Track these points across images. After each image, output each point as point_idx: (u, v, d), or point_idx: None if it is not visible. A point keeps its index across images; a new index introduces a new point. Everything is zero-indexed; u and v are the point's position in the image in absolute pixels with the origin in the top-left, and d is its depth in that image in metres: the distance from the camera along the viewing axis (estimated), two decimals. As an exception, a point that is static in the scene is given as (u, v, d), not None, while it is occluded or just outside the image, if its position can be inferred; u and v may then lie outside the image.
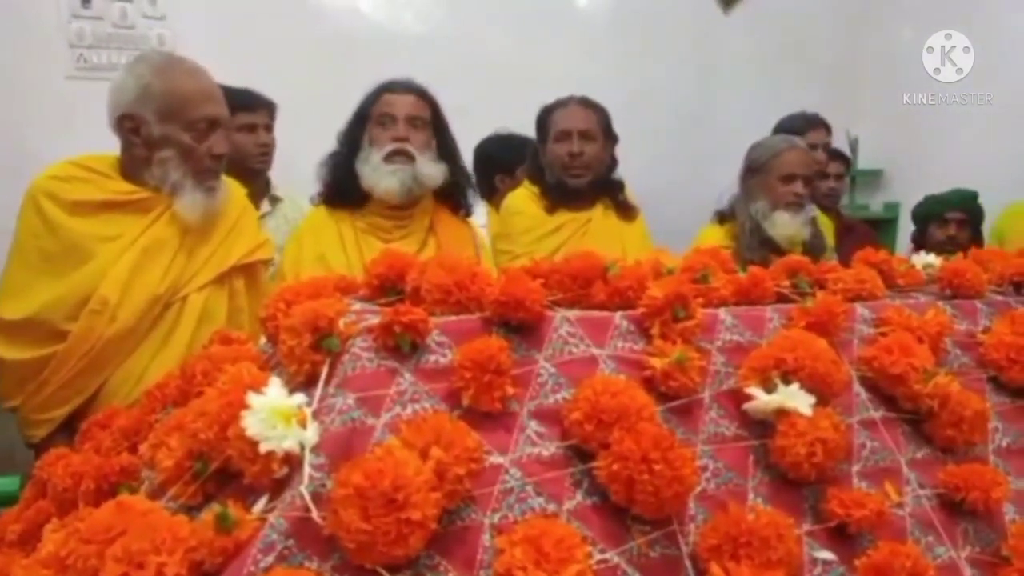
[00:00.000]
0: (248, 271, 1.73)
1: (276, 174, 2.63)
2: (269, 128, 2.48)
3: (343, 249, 1.85)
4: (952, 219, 2.87)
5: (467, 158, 2.91)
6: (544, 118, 2.31)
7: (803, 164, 2.25)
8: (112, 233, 1.57)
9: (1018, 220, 2.85)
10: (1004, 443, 1.09)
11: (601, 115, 2.27)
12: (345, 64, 3.03)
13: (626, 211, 2.30)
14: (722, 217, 2.38)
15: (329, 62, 3.13)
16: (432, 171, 1.86)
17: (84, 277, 1.53)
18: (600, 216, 2.27)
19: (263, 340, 1.09)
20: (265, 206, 2.49)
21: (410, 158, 1.83)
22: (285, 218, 2.48)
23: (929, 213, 2.95)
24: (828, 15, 4.19)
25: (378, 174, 1.82)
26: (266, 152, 2.47)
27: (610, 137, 2.29)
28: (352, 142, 1.89)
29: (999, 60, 3.55)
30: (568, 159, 2.22)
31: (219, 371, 0.94)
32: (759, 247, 2.18)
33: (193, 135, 1.58)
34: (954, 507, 0.97)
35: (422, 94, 1.91)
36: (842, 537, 0.89)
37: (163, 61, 1.63)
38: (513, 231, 2.30)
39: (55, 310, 1.52)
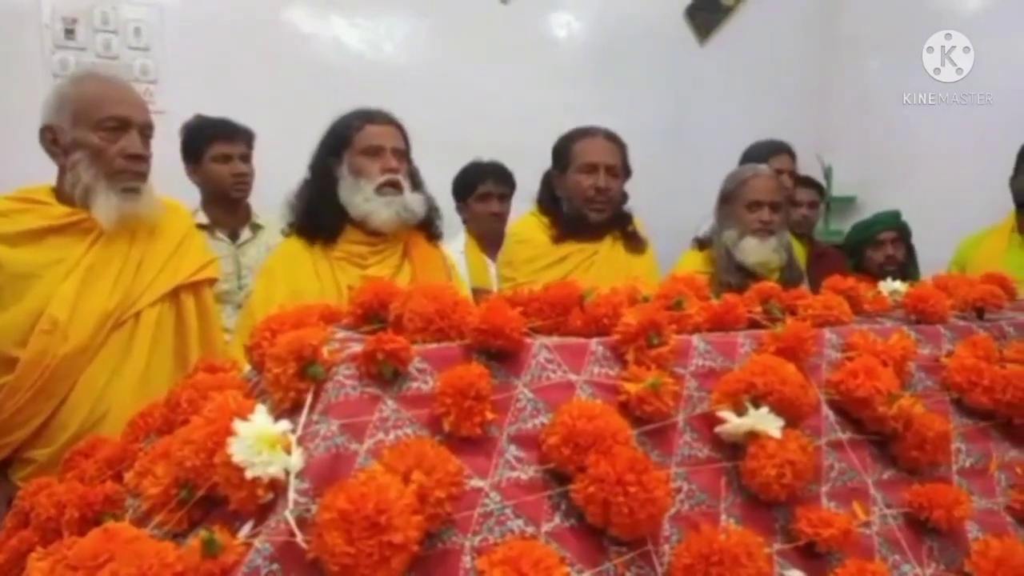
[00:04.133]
0: (196, 290, 1.76)
1: (260, 202, 2.66)
2: (246, 157, 2.50)
3: (318, 280, 1.86)
4: (886, 239, 2.99)
5: (449, 188, 2.97)
6: (566, 147, 2.30)
7: (769, 191, 2.30)
8: (56, 257, 1.59)
9: (980, 248, 2.94)
10: (967, 464, 1.13)
11: (623, 150, 2.30)
12: (327, 95, 3.04)
13: (635, 243, 2.31)
14: (701, 244, 2.44)
15: (311, 92, 3.16)
16: (416, 201, 1.91)
17: (31, 302, 1.54)
18: (607, 248, 2.28)
19: (247, 368, 1.11)
20: (246, 233, 2.51)
21: (400, 189, 1.87)
22: (266, 245, 2.49)
23: (861, 239, 3.07)
24: (800, 46, 4.32)
25: (371, 204, 1.85)
26: (243, 181, 2.49)
27: (627, 172, 2.31)
28: (328, 171, 1.90)
29: (964, 86, 3.67)
30: (594, 193, 2.23)
31: (204, 399, 0.96)
32: (735, 272, 2.23)
33: (102, 135, 1.60)
34: (919, 526, 1.00)
35: (400, 126, 1.96)
36: (811, 556, 0.92)
37: (82, 73, 1.69)
38: (516, 259, 2.31)
39: (4, 337, 1.53)
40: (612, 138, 2.30)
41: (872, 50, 4.26)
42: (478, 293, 2.39)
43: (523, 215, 2.49)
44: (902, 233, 3.03)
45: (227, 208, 2.46)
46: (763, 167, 2.47)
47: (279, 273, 1.87)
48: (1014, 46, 3.49)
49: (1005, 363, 1.22)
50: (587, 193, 2.23)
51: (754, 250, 2.23)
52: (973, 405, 1.18)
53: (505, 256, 2.40)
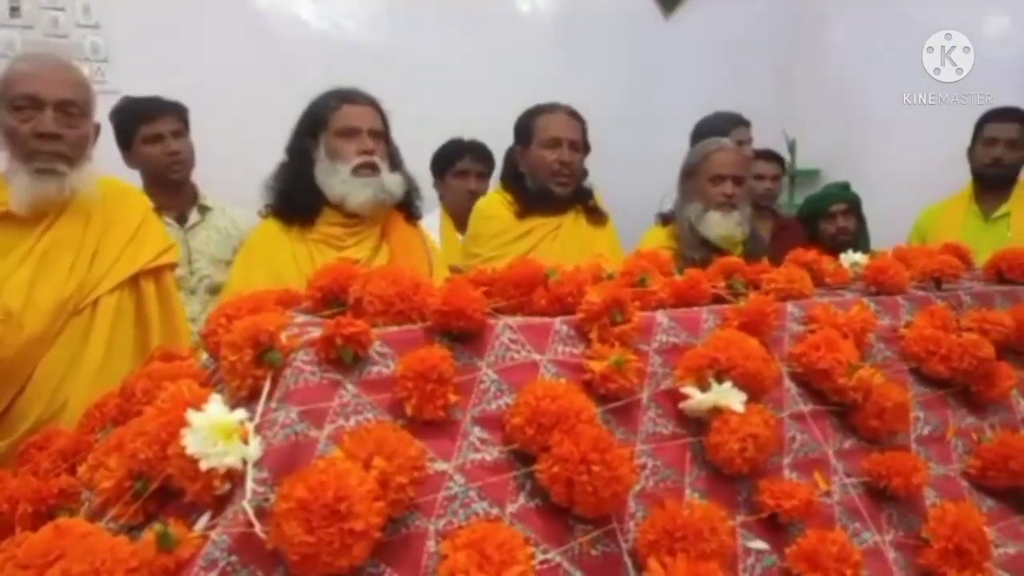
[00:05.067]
0: (157, 276, 1.72)
1: (215, 184, 2.58)
2: (179, 134, 2.36)
3: (296, 263, 1.83)
4: (837, 211, 3.05)
5: (413, 166, 2.93)
6: (529, 122, 2.31)
7: (732, 164, 2.30)
8: (8, 245, 1.54)
9: (939, 218, 3.00)
10: (925, 431, 1.15)
11: (584, 126, 2.32)
12: (286, 73, 3.01)
13: (597, 217, 2.33)
14: (665, 219, 2.45)
15: (269, 71, 3.09)
16: (395, 182, 1.88)
17: None
18: (571, 222, 2.29)
19: (204, 356, 1.09)
20: (194, 216, 2.40)
21: (377, 171, 1.84)
22: (216, 228, 2.41)
23: (814, 212, 3.14)
24: (765, 19, 4.32)
25: (348, 186, 1.81)
26: (178, 160, 2.35)
27: (586, 148, 2.33)
28: (304, 153, 1.88)
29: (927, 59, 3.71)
30: (559, 166, 2.24)
31: (159, 389, 0.93)
32: (699, 247, 2.24)
33: (15, 115, 1.55)
34: (878, 494, 1.02)
35: (378, 106, 1.92)
36: (774, 527, 0.93)
37: (22, 52, 1.62)
38: (482, 234, 2.32)
39: None
40: (573, 114, 2.31)
41: (836, 24, 4.29)
42: (453, 271, 2.38)
43: (488, 192, 2.47)
44: (852, 204, 3.10)
45: (170, 191, 2.33)
46: (726, 141, 2.47)
47: (257, 256, 1.84)
48: (976, 19, 3.53)
49: (962, 332, 1.25)
50: (551, 167, 2.24)
51: (718, 224, 2.24)
52: (930, 374, 1.20)
53: (471, 231, 2.40)
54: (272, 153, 1.96)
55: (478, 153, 2.97)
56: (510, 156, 2.36)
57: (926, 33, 3.79)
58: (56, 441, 1.12)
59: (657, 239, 2.35)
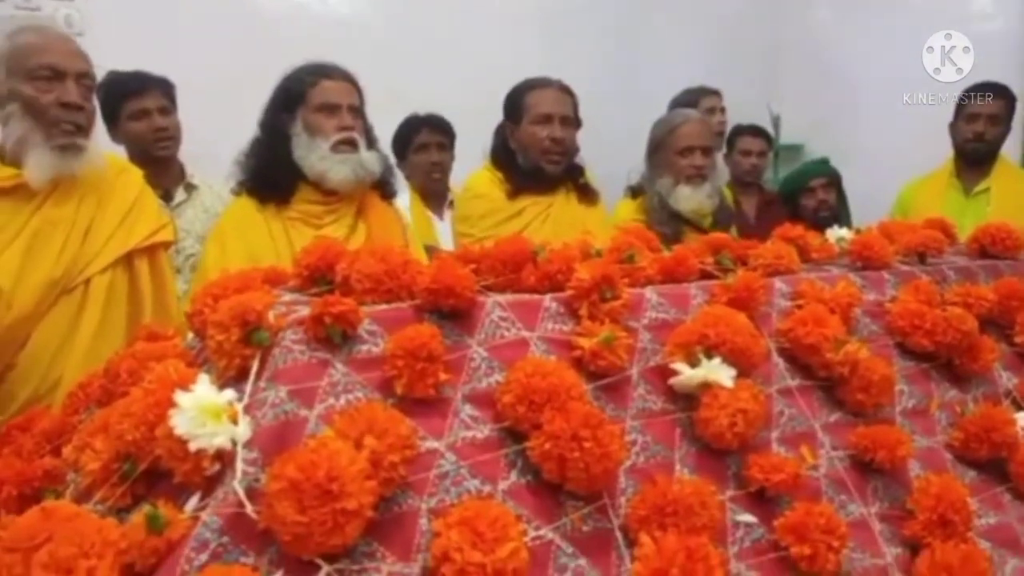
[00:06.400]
0: (151, 254, 1.70)
1: (195, 160, 2.54)
2: (165, 110, 2.32)
3: (272, 241, 1.80)
4: (817, 186, 3.10)
5: (390, 142, 2.90)
6: (519, 98, 2.25)
7: (699, 135, 2.29)
8: (1, 222, 1.52)
9: (921, 193, 3.02)
10: (910, 405, 1.16)
11: (575, 101, 2.27)
12: (266, 46, 2.93)
13: (588, 195, 2.30)
14: (634, 192, 2.44)
15: (250, 44, 3.02)
16: (373, 159, 1.86)
17: None
18: (562, 200, 2.26)
19: (190, 336, 1.07)
20: (180, 194, 2.37)
21: (356, 147, 1.82)
22: (203, 206, 2.37)
23: (794, 188, 3.18)
24: (750, -5, 4.30)
25: (327, 163, 1.78)
26: (165, 136, 2.31)
27: (578, 123, 2.29)
28: (280, 128, 1.84)
29: (912, 41, 3.71)
30: (550, 143, 2.19)
31: (145, 369, 0.92)
32: (669, 220, 2.24)
33: (36, 85, 1.53)
34: (864, 467, 1.04)
35: (355, 82, 1.89)
36: (762, 500, 0.94)
37: (19, 25, 1.61)
38: (473, 214, 2.28)
39: None
40: (565, 89, 2.26)
41: (821, 1, 4.28)
42: (428, 250, 2.36)
43: (477, 170, 2.44)
44: (832, 178, 3.14)
45: (156, 168, 2.29)
46: (692, 112, 2.46)
47: (231, 234, 1.80)
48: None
49: (946, 306, 1.26)
50: (543, 144, 2.20)
51: (689, 197, 2.24)
52: (915, 348, 1.21)
53: (461, 211, 2.36)
54: (253, 129, 1.93)
55: (434, 125, 2.91)
56: (500, 133, 2.32)
57: (909, 10, 3.80)
58: (39, 422, 1.11)
59: (628, 212, 2.35)
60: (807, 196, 3.13)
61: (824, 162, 3.23)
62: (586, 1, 3.88)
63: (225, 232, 1.83)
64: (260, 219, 1.81)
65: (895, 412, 1.14)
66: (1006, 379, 1.26)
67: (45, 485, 0.92)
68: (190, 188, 2.39)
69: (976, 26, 3.49)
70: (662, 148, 2.31)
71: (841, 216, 3.09)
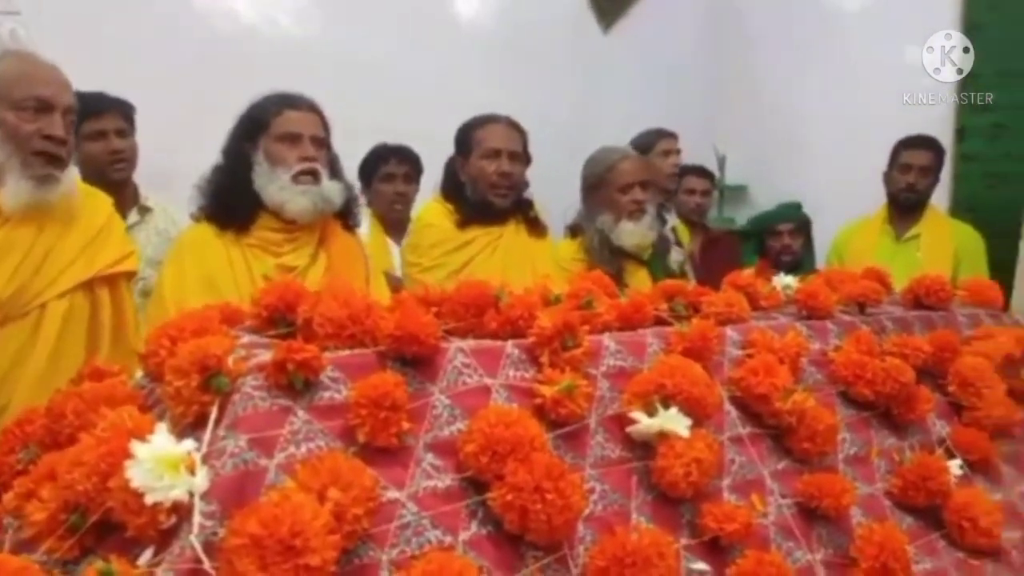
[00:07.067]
0: (112, 283, 1.67)
1: (147, 182, 2.48)
2: (123, 132, 2.31)
3: (230, 267, 1.78)
4: (783, 230, 3.23)
5: (347, 170, 2.89)
6: (469, 133, 2.29)
7: (638, 171, 2.37)
8: None
9: (855, 238, 3.16)
10: (851, 452, 1.21)
11: (524, 136, 2.31)
12: (218, 68, 2.91)
13: (537, 228, 2.34)
14: (573, 231, 2.49)
15: (201, 65, 2.98)
16: (334, 190, 1.85)
17: None
18: (512, 232, 2.29)
19: (139, 374, 1.04)
20: (133, 216, 2.33)
21: (317, 178, 1.81)
22: (156, 229, 2.34)
23: (762, 228, 3.30)
24: (698, 37, 4.45)
25: (286, 193, 1.77)
26: (121, 158, 2.29)
27: (527, 158, 2.33)
28: (242, 156, 1.82)
29: (855, 86, 3.91)
30: (497, 178, 2.23)
31: (93, 411, 0.89)
32: (611, 258, 2.29)
33: (20, 115, 1.51)
34: (810, 513, 1.07)
35: (320, 113, 1.89)
36: (715, 548, 0.96)
37: (7, 52, 1.59)
38: (422, 243, 2.29)
39: None
40: (514, 125, 2.31)
41: (767, 44, 4.46)
42: (387, 278, 2.36)
43: (427, 201, 2.46)
44: (800, 225, 3.25)
45: (109, 189, 2.24)
46: (625, 148, 2.54)
47: (189, 259, 1.77)
48: (896, 44, 3.74)
49: (884, 356, 1.32)
50: (491, 178, 2.24)
51: (632, 232, 2.31)
52: (856, 397, 1.27)
53: (411, 240, 2.38)
54: (206, 151, 1.90)
55: (403, 156, 2.95)
56: (450, 166, 2.35)
57: (848, 59, 4.00)
58: (-29, 461, 1.05)
59: (570, 251, 2.40)
60: (773, 238, 3.23)
61: (796, 207, 3.31)
62: (540, 38, 3.95)
63: (183, 256, 1.81)
64: (219, 244, 1.79)
65: (838, 459, 1.18)
66: (939, 427, 1.33)
67: (-20, 532, 0.87)
68: (144, 211, 2.35)
69: (909, 79, 3.69)
70: (601, 186, 2.37)
71: (804, 263, 3.19)
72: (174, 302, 1.68)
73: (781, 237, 3.21)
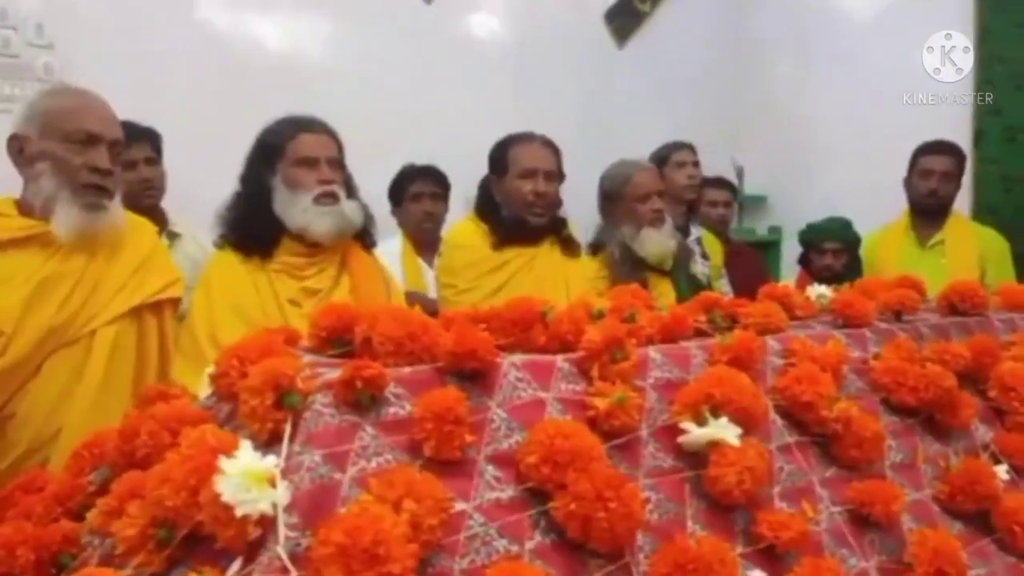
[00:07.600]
0: (158, 310, 1.72)
1: (174, 208, 2.55)
2: (152, 161, 2.39)
3: (256, 293, 1.81)
4: (828, 249, 3.18)
5: (371, 190, 2.94)
6: (504, 153, 2.31)
7: (653, 181, 2.44)
8: (13, 270, 1.55)
9: (879, 245, 3.16)
10: (898, 459, 1.22)
11: (559, 155, 2.33)
12: (244, 95, 2.98)
13: (571, 247, 2.35)
14: (594, 248, 2.52)
15: (228, 93, 3.06)
16: (354, 210, 1.89)
17: None
18: (546, 253, 2.30)
19: (203, 395, 1.08)
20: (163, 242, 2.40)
21: (337, 200, 1.85)
22: (185, 255, 2.40)
23: (809, 242, 3.26)
24: (712, 51, 4.50)
25: (309, 216, 1.81)
26: (151, 186, 2.38)
27: (561, 176, 2.34)
28: (260, 182, 1.86)
29: (869, 93, 3.93)
30: (534, 198, 2.24)
31: (169, 432, 0.93)
32: (633, 270, 2.32)
33: (69, 147, 1.58)
34: (861, 520, 1.08)
35: (334, 134, 1.93)
36: (770, 556, 0.98)
37: (58, 86, 1.68)
38: (456, 265, 2.31)
39: None
40: (548, 143, 2.33)
41: (780, 54, 4.50)
42: (411, 297, 2.39)
43: (460, 221, 2.49)
44: (846, 245, 3.18)
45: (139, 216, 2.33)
46: (640, 160, 2.59)
47: (216, 286, 1.81)
48: (911, 50, 3.76)
49: (924, 363, 1.33)
50: (527, 198, 2.25)
51: (654, 239, 2.35)
52: (899, 404, 1.28)
53: (444, 262, 2.40)
54: (232, 177, 1.93)
55: (430, 175, 3.00)
56: (485, 186, 2.38)
57: (862, 66, 4.03)
58: (44, 483, 1.09)
59: (592, 268, 2.42)
60: (818, 254, 3.20)
61: (846, 226, 3.23)
62: (556, 54, 4.02)
63: (210, 284, 1.85)
64: (244, 271, 1.83)
65: (885, 466, 1.20)
66: (983, 432, 1.34)
67: (63, 549, 0.91)
68: (173, 236, 2.41)
69: (925, 84, 3.71)
70: (619, 199, 2.41)
71: (844, 283, 3.17)
72: (204, 330, 1.72)
73: (825, 256, 3.17)
